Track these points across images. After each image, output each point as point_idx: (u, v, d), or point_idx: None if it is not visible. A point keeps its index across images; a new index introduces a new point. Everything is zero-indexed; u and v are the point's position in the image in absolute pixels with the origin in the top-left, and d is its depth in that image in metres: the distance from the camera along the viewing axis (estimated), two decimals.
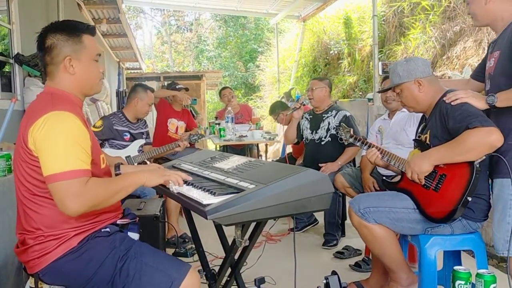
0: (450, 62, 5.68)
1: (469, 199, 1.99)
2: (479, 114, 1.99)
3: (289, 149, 5.82)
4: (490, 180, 2.13)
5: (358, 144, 2.49)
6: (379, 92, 2.93)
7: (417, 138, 2.34)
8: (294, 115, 3.85)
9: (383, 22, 7.35)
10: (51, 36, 1.63)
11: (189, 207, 1.59)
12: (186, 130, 5.02)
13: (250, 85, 18.01)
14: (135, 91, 3.83)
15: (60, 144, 1.48)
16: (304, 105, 3.87)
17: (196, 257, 3.46)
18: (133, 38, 9.05)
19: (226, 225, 1.46)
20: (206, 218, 1.41)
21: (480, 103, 2.03)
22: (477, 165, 2.00)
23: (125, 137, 3.76)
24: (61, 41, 1.62)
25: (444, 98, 2.14)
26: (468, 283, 1.68)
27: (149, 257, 1.59)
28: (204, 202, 1.47)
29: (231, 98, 5.68)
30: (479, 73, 2.31)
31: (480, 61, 2.39)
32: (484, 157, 2.00)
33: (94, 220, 1.63)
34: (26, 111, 1.67)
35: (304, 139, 4.02)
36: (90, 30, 1.70)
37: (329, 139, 3.82)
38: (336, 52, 9.00)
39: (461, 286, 1.67)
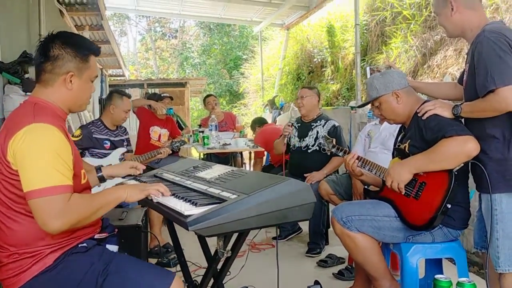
0: (431, 71, 5.77)
1: (449, 206, 2.01)
2: (455, 124, 2.03)
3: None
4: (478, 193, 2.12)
5: (340, 154, 2.51)
6: (358, 107, 2.96)
7: (397, 147, 2.37)
8: (284, 133, 3.86)
9: (365, 31, 7.44)
10: (60, 46, 1.59)
11: (170, 218, 1.57)
12: (170, 138, 4.99)
13: (234, 92, 18.02)
14: (110, 98, 3.78)
15: (41, 158, 1.43)
16: (292, 124, 3.88)
17: (179, 267, 3.44)
18: (116, 45, 8.98)
19: (208, 236, 1.44)
20: (188, 229, 1.39)
21: (447, 113, 2.07)
22: (455, 172, 2.02)
23: (105, 145, 3.71)
24: (69, 55, 1.60)
25: (417, 110, 2.18)
26: None
27: (131, 269, 1.56)
28: (186, 213, 1.46)
29: (215, 106, 5.66)
30: (461, 78, 2.34)
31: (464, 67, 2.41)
32: (462, 165, 2.03)
33: (71, 236, 1.58)
34: (6, 121, 1.62)
35: (291, 146, 4.03)
36: (97, 51, 1.70)
37: (317, 148, 3.83)
38: (319, 60, 9.07)
39: None
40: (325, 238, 3.90)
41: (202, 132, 5.33)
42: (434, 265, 2.37)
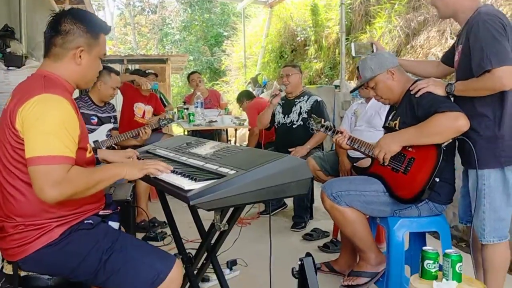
0: (414, 51, 5.85)
1: (437, 180, 2.10)
2: (447, 101, 2.11)
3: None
4: (466, 170, 2.21)
5: (329, 133, 2.56)
6: (353, 90, 3.00)
7: (386, 125, 2.43)
8: (272, 101, 3.87)
9: (349, 10, 7.45)
10: (71, 21, 1.60)
11: (170, 193, 1.60)
12: (154, 115, 4.96)
13: (215, 69, 17.87)
14: (99, 74, 3.74)
15: (48, 127, 1.44)
16: (281, 91, 3.89)
17: (166, 241, 3.49)
18: None
19: (208, 210, 1.48)
20: (189, 204, 1.42)
21: (439, 91, 2.14)
22: (444, 148, 2.11)
23: (92, 120, 3.68)
24: (80, 30, 1.61)
25: (410, 88, 2.24)
26: (436, 262, 1.78)
27: (135, 250, 1.59)
28: (186, 188, 1.48)
29: (199, 83, 5.63)
30: (448, 58, 2.40)
31: (450, 47, 2.47)
32: (450, 140, 2.12)
33: (77, 211, 1.60)
34: (14, 91, 1.62)
35: (276, 123, 4.07)
36: (108, 30, 1.72)
37: (301, 123, 3.89)
38: (302, 38, 9.06)
39: (429, 266, 1.77)
40: (309, 212, 4.00)
41: (187, 109, 5.31)
42: (418, 238, 2.47)
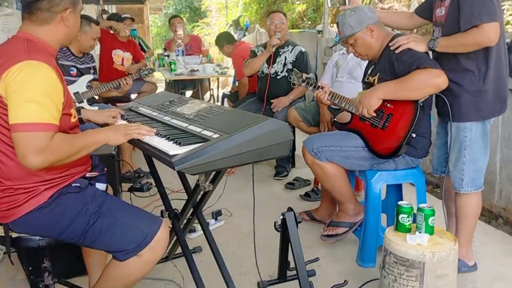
0: None
1: (413, 135, 2.17)
2: (427, 58, 2.14)
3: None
4: (444, 123, 2.28)
5: (310, 88, 2.57)
6: (331, 47, 2.97)
7: (365, 80, 2.45)
8: (270, 49, 3.80)
9: None
10: None
11: (154, 157, 1.63)
12: (133, 62, 4.87)
13: (195, 9, 17.32)
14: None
15: (31, 94, 1.44)
16: (278, 39, 3.82)
17: (152, 191, 3.56)
18: None
19: (193, 174, 1.52)
20: (174, 169, 1.46)
21: (421, 46, 2.16)
22: (421, 104, 2.16)
23: (71, 72, 3.62)
24: None
25: (390, 44, 2.24)
26: (410, 216, 1.89)
27: (122, 213, 1.64)
28: (171, 153, 1.51)
29: (177, 29, 5.43)
30: (424, 11, 2.41)
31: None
32: (427, 97, 2.17)
33: (64, 174, 1.63)
34: None
35: (259, 72, 4.02)
36: None
37: (285, 74, 3.85)
38: None
39: (404, 219, 1.88)
40: (291, 161, 4.09)
41: (168, 56, 5.22)
42: (395, 188, 2.58)
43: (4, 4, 3.91)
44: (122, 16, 4.94)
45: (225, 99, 5.02)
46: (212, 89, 5.45)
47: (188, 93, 5.83)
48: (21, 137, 1.42)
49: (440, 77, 2.06)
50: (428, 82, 2.08)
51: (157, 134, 1.74)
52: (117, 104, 4.32)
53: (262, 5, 9.68)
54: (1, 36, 3.46)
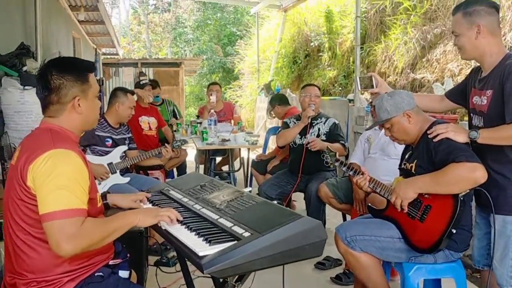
0: (430, 65, 5.76)
1: (454, 231, 2.06)
2: (465, 149, 2.05)
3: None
4: (489, 215, 2.16)
5: (344, 169, 2.53)
6: (367, 129, 2.96)
7: (402, 166, 2.39)
8: (305, 120, 3.81)
9: (364, 19, 7.36)
10: (58, 76, 1.62)
11: (183, 255, 1.59)
12: (157, 127, 4.96)
13: (228, 69, 17.88)
14: (115, 96, 3.78)
15: (60, 182, 1.46)
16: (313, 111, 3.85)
17: (178, 267, 3.47)
18: (111, 25, 8.83)
19: (222, 278, 1.47)
20: (203, 272, 1.41)
21: (460, 137, 2.08)
22: (461, 198, 2.06)
23: (107, 143, 3.71)
24: (70, 81, 1.63)
25: (428, 132, 2.19)
26: None
27: None
28: (200, 254, 1.47)
29: (210, 96, 5.49)
30: (455, 95, 2.39)
31: (459, 85, 2.43)
32: (468, 191, 2.07)
33: (87, 263, 1.62)
34: (22, 146, 1.64)
35: (292, 143, 4.02)
36: (93, 68, 1.74)
37: None
38: (316, 44, 8.99)
39: None
40: None
41: (200, 123, 5.30)
42: (433, 281, 2.43)
43: None
44: (141, 83, 5.08)
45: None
46: (243, 158, 5.45)
47: (218, 159, 5.86)
48: (52, 225, 1.43)
49: (477, 171, 1.97)
50: (465, 177, 1.99)
51: (186, 226, 1.71)
52: (149, 172, 4.38)
53: (293, 70, 9.88)
54: None
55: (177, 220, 1.73)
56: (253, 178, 4.94)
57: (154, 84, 5.58)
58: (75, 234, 1.43)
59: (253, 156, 5.69)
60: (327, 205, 3.68)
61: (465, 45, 2.13)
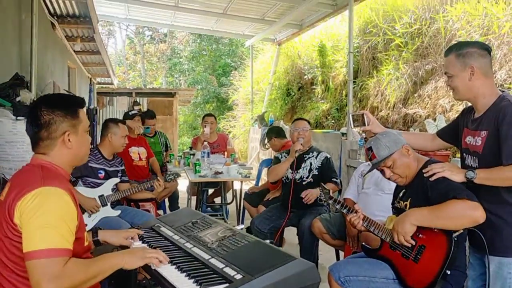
0: (422, 101, 5.84)
1: (448, 272, 2.03)
2: (464, 189, 2.04)
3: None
4: (483, 255, 2.12)
5: (337, 206, 2.51)
6: (368, 171, 2.96)
7: (396, 205, 2.38)
8: (294, 155, 3.80)
9: (356, 54, 7.49)
10: (48, 112, 1.62)
11: None
12: (147, 158, 4.94)
13: (222, 99, 18.00)
14: (107, 127, 3.78)
15: (46, 221, 1.44)
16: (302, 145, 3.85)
17: None
18: (106, 55, 8.90)
19: None
20: None
21: (457, 177, 2.07)
22: (455, 238, 2.04)
23: (99, 174, 3.67)
24: (60, 116, 1.63)
25: (423, 170, 2.19)
26: None
27: None
28: None
29: (204, 128, 5.50)
30: (447, 135, 2.40)
31: (451, 124, 2.44)
32: (462, 231, 2.06)
33: None
34: (12, 182, 1.62)
35: (284, 178, 4.00)
36: (83, 103, 1.75)
37: (311, 179, 3.82)
38: (310, 77, 9.11)
39: None
40: None
41: (193, 155, 5.29)
42: None
43: None
44: (131, 113, 5.08)
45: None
46: (235, 190, 5.41)
47: (211, 191, 5.82)
48: (34, 264, 1.40)
49: (477, 210, 1.96)
50: (465, 213, 1.98)
51: (176, 265, 1.68)
52: (140, 204, 4.33)
53: (286, 102, 9.96)
54: None
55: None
56: (245, 210, 4.91)
57: (152, 114, 5.61)
58: (57, 275, 1.40)
59: (246, 187, 5.65)
60: (320, 240, 3.65)
61: (458, 86, 2.13)
